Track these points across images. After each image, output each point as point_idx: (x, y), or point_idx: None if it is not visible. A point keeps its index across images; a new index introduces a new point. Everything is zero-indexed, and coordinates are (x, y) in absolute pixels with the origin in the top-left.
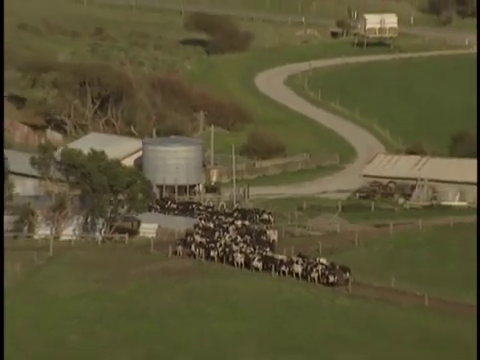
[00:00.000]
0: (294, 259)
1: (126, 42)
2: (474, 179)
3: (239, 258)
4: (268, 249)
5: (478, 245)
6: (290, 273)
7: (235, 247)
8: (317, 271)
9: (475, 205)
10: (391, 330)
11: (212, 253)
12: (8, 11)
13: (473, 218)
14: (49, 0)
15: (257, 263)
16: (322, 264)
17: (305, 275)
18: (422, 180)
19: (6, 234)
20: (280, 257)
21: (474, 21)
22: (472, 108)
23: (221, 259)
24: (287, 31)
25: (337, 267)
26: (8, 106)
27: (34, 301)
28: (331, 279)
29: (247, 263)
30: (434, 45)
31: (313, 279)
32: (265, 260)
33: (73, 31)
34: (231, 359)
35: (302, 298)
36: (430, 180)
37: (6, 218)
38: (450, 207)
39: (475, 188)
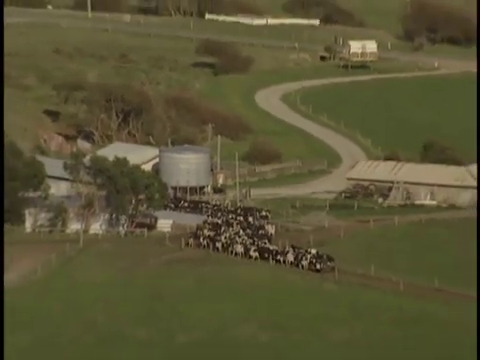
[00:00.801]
0: (286, 249)
1: (146, 65)
2: (442, 181)
3: (239, 248)
4: (266, 241)
5: (478, 244)
6: (284, 262)
7: (238, 239)
8: (306, 259)
9: (444, 204)
10: (371, 310)
11: (217, 244)
12: (46, 40)
13: (442, 215)
14: (80, 29)
15: (253, 253)
16: (310, 253)
17: (296, 263)
18: (398, 183)
19: (43, 229)
20: (274, 247)
21: (443, 47)
22: (440, 121)
23: (225, 250)
24: (282, 55)
25: (324, 256)
26: (45, 119)
27: (67, 287)
28: (318, 266)
29: (246, 253)
30: (408, 67)
31: (303, 266)
32: (261, 251)
33: (100, 55)
34: (235, 336)
35: (294, 283)
36: (405, 183)
37: (43, 215)
38: (422, 206)
39: (444, 189)
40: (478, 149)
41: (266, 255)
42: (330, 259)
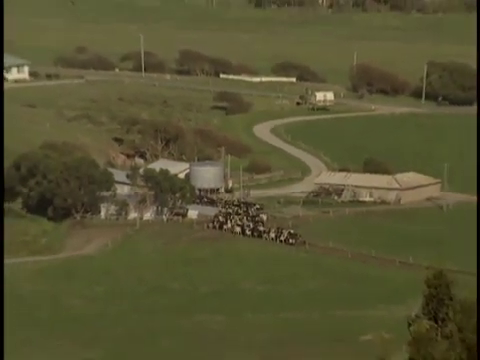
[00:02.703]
0: (270, 229)
1: (180, 108)
2: (377, 185)
3: (237, 229)
4: (260, 225)
5: (478, 243)
6: (271, 239)
7: (238, 222)
8: (283, 236)
9: (378, 200)
10: (330, 270)
11: (225, 227)
12: (114, 91)
13: (377, 207)
14: (137, 84)
15: (248, 232)
16: (286, 231)
17: (276, 239)
18: (348, 186)
19: (112, 217)
20: (263, 229)
21: (377, 96)
22: (375, 144)
23: (232, 231)
24: (271, 101)
25: (292, 233)
26: (114, 144)
27: (127, 255)
28: (291, 241)
29: (244, 232)
30: (354, 109)
31: (281, 241)
32: (252, 231)
33: (150, 102)
34: (240, 288)
35: (277, 253)
36: (352, 186)
37: (112, 207)
38: (364, 202)
39: (378, 190)
40: (478, 150)
41: (257, 234)
42: (294, 235)
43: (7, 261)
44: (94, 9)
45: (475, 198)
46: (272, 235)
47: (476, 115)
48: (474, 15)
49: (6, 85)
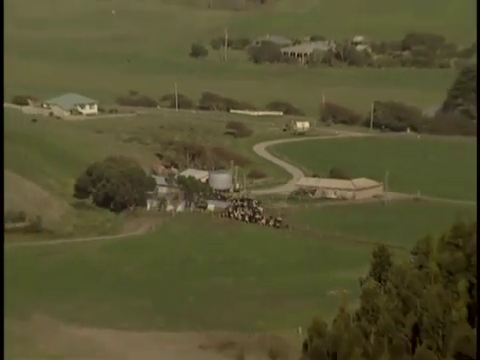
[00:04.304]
0: (263, 217)
1: (201, 133)
2: (339, 187)
3: (240, 217)
4: (258, 214)
5: (478, 244)
6: (265, 224)
7: (242, 212)
8: (272, 219)
9: (340, 198)
10: (306, 247)
11: (233, 216)
12: (156, 122)
13: (339, 202)
14: (172, 116)
15: (246, 219)
16: (275, 219)
17: (268, 224)
18: (319, 187)
19: (154, 209)
20: (258, 216)
21: (339, 125)
22: (338, 158)
23: (236, 218)
24: (266, 129)
25: (279, 219)
26: (156, 158)
27: (165, 236)
28: (277, 225)
29: (244, 219)
30: (323, 134)
31: (270, 225)
32: (250, 218)
33: (181, 128)
34: (243, 259)
35: (268, 233)
36: (322, 187)
37: (155, 202)
38: (330, 198)
39: (340, 191)
40: (478, 152)
41: (255, 220)
42: (281, 222)
43: (81, 239)
44: (143, 65)
45: (407, 196)
46: (264, 221)
47: (476, 117)
48: (408, 69)
49: (81, 117)
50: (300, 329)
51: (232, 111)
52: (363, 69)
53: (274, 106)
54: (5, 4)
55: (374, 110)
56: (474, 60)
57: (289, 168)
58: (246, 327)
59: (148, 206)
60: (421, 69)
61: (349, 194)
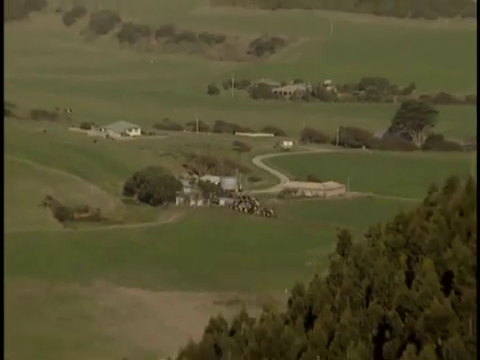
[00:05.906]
0: (259, 209)
1: (215, 149)
2: (314, 188)
3: (242, 209)
4: (255, 207)
5: (478, 244)
6: (259, 214)
7: (244, 206)
8: (265, 211)
9: (315, 196)
10: (290, 231)
11: (237, 209)
12: (178, 143)
13: (313, 199)
14: (193, 138)
15: (246, 211)
16: (267, 210)
17: (262, 214)
18: (299, 188)
19: (181, 204)
20: (255, 209)
21: (315, 143)
22: (313, 168)
23: (240, 210)
24: (261, 146)
25: (271, 211)
26: (182, 168)
27: (189, 223)
28: (268, 215)
29: (243, 210)
30: (302, 150)
31: (264, 215)
32: (249, 210)
33: (200, 146)
34: (244, 239)
35: (262, 221)
36: (302, 188)
37: (181, 199)
38: (308, 196)
39: (315, 191)
40: (478, 151)
41: (252, 212)
42: (271, 212)
43: (129, 226)
44: (173, 100)
45: (363, 195)
46: (259, 212)
47: (476, 117)
48: (363, 104)
49: (129, 138)
50: (286, 290)
51: (237, 133)
52: (331, 104)
53: (267, 130)
54: (76, 57)
55: (339, 133)
56: (411, 96)
57: (278, 174)
58: (248, 289)
59: (177, 202)
60: (372, 103)
61: (321, 193)
